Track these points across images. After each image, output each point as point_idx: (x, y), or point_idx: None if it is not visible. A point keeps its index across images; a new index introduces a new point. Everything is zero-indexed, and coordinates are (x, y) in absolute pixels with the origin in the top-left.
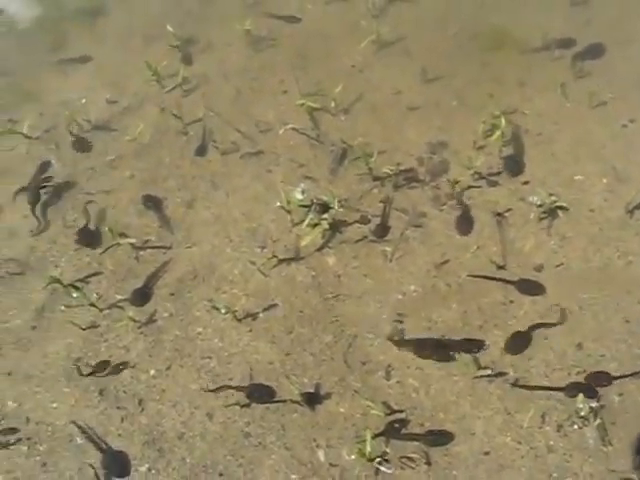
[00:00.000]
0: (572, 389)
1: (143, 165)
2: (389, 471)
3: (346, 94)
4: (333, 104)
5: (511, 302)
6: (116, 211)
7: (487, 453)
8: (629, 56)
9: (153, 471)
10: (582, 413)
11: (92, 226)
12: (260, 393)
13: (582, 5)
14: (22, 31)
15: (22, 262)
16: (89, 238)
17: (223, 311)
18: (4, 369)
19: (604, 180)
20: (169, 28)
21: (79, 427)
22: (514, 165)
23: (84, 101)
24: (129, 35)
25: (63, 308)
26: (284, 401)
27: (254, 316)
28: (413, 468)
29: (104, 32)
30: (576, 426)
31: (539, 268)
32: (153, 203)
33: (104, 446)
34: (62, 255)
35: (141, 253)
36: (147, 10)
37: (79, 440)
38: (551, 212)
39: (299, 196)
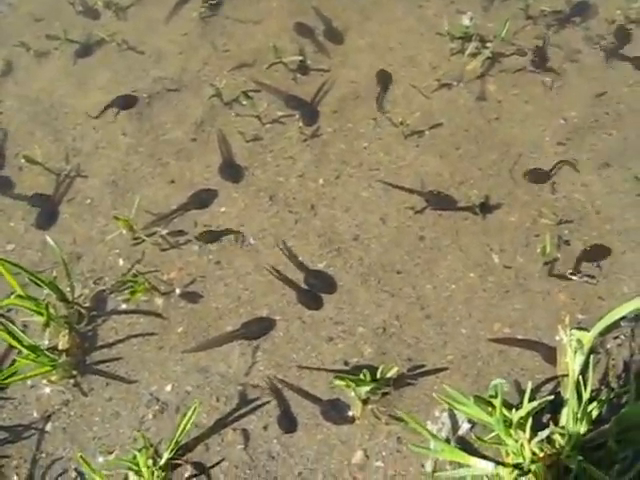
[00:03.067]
0: None
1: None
2: (579, 279)
3: None
4: None
5: None
6: (268, 37)
7: None
8: None
9: (332, 268)
10: None
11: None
12: (433, 200)
13: None
14: None
15: (175, 80)
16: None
17: (399, 119)
18: (167, 177)
19: None
20: None
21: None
22: None
23: None
24: None
25: (234, 115)
26: (456, 209)
27: (420, 133)
28: (584, 274)
29: None
30: None
31: None
32: (306, 30)
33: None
34: (216, 75)
35: (298, 75)
36: None
37: (252, 240)
38: None
39: (467, 22)
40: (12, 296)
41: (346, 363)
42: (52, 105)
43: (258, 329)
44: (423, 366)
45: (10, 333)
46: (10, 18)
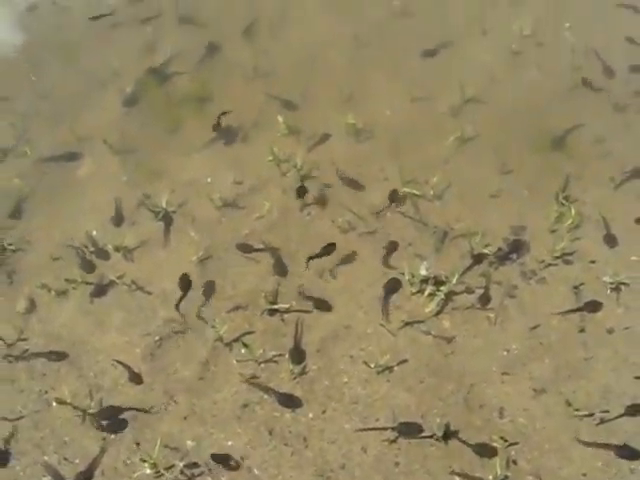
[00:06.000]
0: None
1: (275, 239)
2: None
3: (437, 183)
4: (432, 192)
5: (591, 358)
6: (258, 279)
7: (584, 475)
8: None
9: None
10: None
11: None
12: (403, 430)
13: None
14: (139, 115)
15: (181, 322)
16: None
17: (372, 365)
18: (180, 414)
19: None
20: (279, 118)
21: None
22: (582, 247)
23: (209, 180)
24: (237, 122)
25: (234, 362)
26: (424, 437)
27: (390, 369)
28: None
29: (214, 117)
30: None
31: (610, 331)
32: (286, 274)
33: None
34: (216, 316)
35: (285, 316)
36: (253, 100)
37: (256, 471)
38: (616, 286)
39: (423, 272)
40: None
41: None
42: (74, 343)
43: None
44: None
45: None
46: (30, 256)
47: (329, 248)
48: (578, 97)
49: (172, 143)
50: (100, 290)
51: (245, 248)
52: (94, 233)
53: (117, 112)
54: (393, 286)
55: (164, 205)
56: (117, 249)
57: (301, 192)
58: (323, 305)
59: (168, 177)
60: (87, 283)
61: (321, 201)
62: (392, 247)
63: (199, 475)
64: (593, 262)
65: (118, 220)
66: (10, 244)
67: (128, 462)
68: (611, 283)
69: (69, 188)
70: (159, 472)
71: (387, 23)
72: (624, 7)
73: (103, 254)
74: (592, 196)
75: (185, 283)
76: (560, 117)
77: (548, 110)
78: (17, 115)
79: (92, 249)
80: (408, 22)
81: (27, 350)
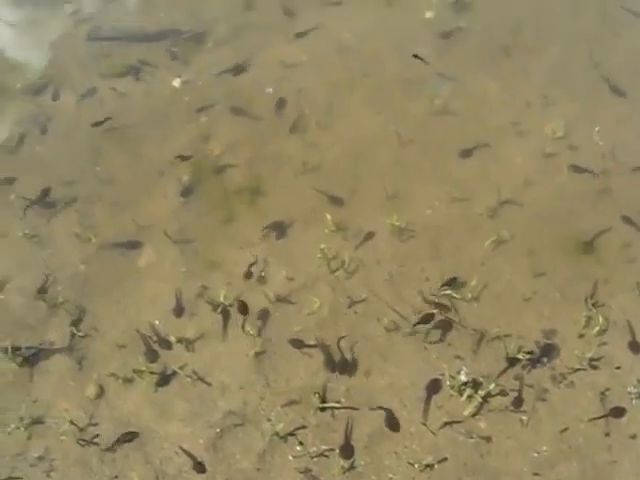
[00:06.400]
0: None
1: (325, 336)
2: None
3: (475, 285)
4: (470, 294)
5: (615, 462)
6: (309, 375)
7: None
8: None
9: None
10: None
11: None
12: None
13: None
14: (196, 205)
15: (240, 415)
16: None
17: (415, 465)
18: None
19: None
20: (328, 216)
21: None
22: (609, 353)
23: (263, 274)
24: (288, 217)
25: (290, 458)
26: None
27: (431, 467)
28: None
29: (266, 211)
30: None
31: (633, 436)
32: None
33: None
34: (271, 410)
35: (336, 412)
36: (302, 195)
37: None
38: None
39: (463, 378)
40: None
41: None
42: (140, 429)
43: None
44: None
45: None
46: (97, 343)
47: (428, 317)
48: (607, 200)
49: (227, 235)
50: (164, 379)
51: (297, 344)
52: (157, 323)
53: (175, 201)
54: (434, 387)
55: (222, 299)
56: (179, 340)
57: (344, 368)
58: (393, 424)
59: (224, 269)
60: (152, 372)
61: (366, 300)
62: (447, 325)
63: None
64: (618, 368)
65: (179, 311)
66: (79, 330)
67: None
68: (635, 392)
69: (131, 276)
70: None
71: (428, 121)
72: None
73: (166, 344)
74: (618, 301)
75: (243, 308)
76: (590, 220)
77: (579, 213)
78: (81, 201)
79: (155, 339)
80: (448, 121)
81: (98, 435)
